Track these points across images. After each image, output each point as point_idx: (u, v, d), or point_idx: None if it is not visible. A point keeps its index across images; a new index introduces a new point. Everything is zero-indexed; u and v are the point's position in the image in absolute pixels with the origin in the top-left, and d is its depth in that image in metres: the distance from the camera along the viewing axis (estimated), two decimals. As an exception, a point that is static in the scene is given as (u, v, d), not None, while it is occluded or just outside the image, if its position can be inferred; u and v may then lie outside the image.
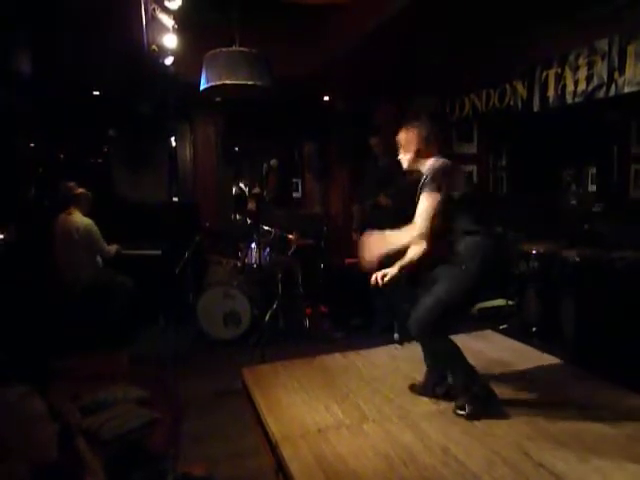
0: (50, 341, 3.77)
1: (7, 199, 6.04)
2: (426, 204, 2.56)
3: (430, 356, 2.92)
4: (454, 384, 2.81)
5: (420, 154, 2.74)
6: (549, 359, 3.50)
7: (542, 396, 2.92)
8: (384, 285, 2.77)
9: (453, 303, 2.64)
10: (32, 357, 3.14)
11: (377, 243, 2.65)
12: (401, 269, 2.77)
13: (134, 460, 2.17)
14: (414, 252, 2.74)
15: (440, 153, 2.74)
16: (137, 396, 3.13)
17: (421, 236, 2.60)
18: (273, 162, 4.01)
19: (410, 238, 2.63)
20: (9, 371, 2.72)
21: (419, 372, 3.26)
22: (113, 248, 4.64)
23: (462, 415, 2.69)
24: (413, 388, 3.05)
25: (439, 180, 2.55)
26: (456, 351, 2.71)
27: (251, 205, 5.50)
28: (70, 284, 4.37)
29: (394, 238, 2.64)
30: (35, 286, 4.51)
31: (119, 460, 2.14)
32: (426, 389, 2.98)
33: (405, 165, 2.83)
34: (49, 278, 4.52)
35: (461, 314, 3.06)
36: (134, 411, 2.92)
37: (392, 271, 2.76)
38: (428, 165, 2.70)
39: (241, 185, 6.72)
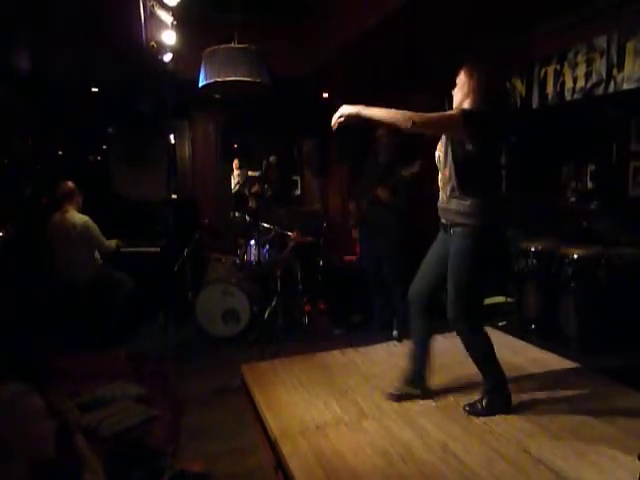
0: (49, 339, 3.77)
1: (5, 197, 6.03)
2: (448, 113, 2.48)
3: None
4: (484, 383, 2.74)
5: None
6: (548, 356, 3.51)
7: (541, 393, 2.92)
8: (337, 125, 2.55)
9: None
10: (30, 355, 3.13)
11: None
12: (360, 113, 2.48)
13: (133, 457, 2.16)
14: (395, 117, 2.45)
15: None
16: (136, 393, 3.13)
17: (412, 119, 2.40)
18: (272, 159, 4.01)
19: (400, 117, 2.43)
20: (7, 369, 2.72)
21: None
22: (113, 243, 4.64)
23: (470, 412, 2.69)
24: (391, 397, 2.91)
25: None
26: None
27: (252, 203, 5.51)
28: (69, 282, 4.37)
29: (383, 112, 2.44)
30: (33, 284, 4.50)
31: (118, 457, 2.14)
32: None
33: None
34: (47, 276, 4.51)
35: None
36: (133, 408, 2.92)
37: (350, 109, 2.50)
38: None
39: (250, 173, 6.65)
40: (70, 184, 4.51)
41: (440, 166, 2.68)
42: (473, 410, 2.71)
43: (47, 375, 2.97)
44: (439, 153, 2.69)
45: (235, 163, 7.25)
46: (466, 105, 2.56)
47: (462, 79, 2.58)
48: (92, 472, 1.57)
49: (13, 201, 5.98)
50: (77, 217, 4.44)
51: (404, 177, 3.78)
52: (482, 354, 2.71)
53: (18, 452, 1.35)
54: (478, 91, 2.52)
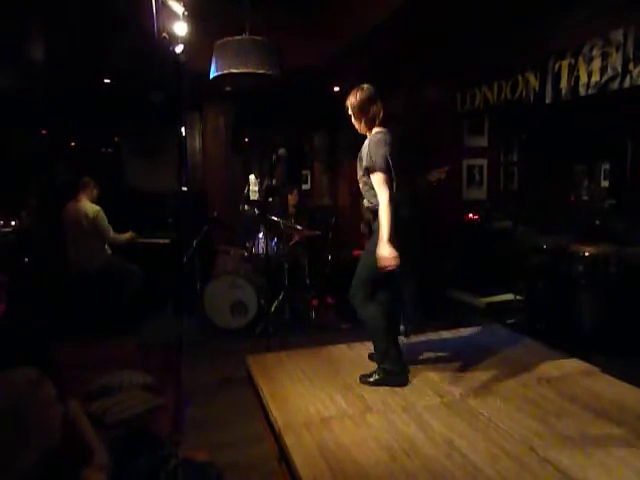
0: (59, 326, 3.80)
1: (19, 187, 6.10)
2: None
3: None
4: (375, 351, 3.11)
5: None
6: (556, 355, 3.46)
7: (548, 391, 2.89)
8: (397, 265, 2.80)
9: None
10: (40, 341, 3.17)
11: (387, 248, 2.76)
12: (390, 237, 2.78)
13: (137, 445, 2.16)
14: (385, 207, 2.79)
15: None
16: (143, 382, 3.12)
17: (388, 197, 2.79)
18: (281, 151, 3.99)
19: (385, 202, 2.78)
20: (17, 354, 2.75)
21: (424, 364, 3.26)
22: (125, 236, 4.67)
23: (362, 381, 3.03)
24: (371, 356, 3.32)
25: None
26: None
27: (293, 201, 5.47)
28: (80, 270, 4.41)
29: (385, 222, 2.77)
30: (46, 271, 4.56)
31: (123, 444, 2.14)
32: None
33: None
34: (59, 264, 4.56)
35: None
36: (139, 396, 2.92)
37: (390, 250, 2.76)
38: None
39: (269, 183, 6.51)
40: (87, 177, 4.59)
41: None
42: (364, 380, 3.04)
43: (56, 361, 2.99)
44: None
45: (252, 179, 7.17)
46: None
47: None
48: (98, 457, 1.57)
49: (27, 191, 6.06)
50: (89, 207, 4.50)
51: (429, 183, 3.64)
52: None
53: (33, 437, 1.36)
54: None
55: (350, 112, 2.99)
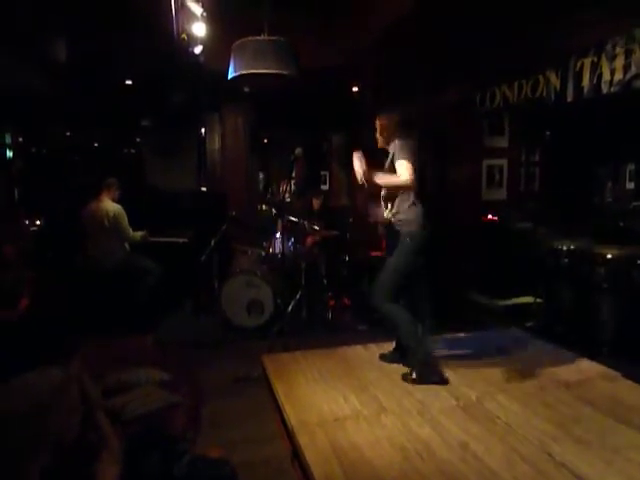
0: (78, 323, 3.88)
1: (44, 186, 6.24)
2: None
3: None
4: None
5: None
6: (576, 358, 3.39)
7: (567, 396, 2.83)
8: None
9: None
10: (61, 337, 3.24)
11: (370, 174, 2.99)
12: (370, 176, 3.01)
13: (152, 440, 2.19)
14: (399, 181, 2.95)
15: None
16: (160, 379, 3.18)
17: (410, 182, 2.91)
18: (298, 151, 3.98)
19: (401, 181, 2.92)
20: (40, 351, 2.81)
21: (441, 365, 3.22)
22: (138, 235, 4.74)
23: (403, 379, 3.06)
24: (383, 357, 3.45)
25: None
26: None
27: (317, 206, 5.50)
28: (100, 268, 4.49)
29: (387, 180, 3.00)
30: (67, 269, 4.65)
31: (139, 440, 2.17)
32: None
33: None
34: (80, 262, 4.66)
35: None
36: (156, 393, 2.97)
37: (363, 169, 3.00)
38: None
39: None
40: (112, 178, 4.72)
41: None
42: (405, 378, 3.07)
43: (75, 357, 3.04)
44: None
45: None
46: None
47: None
48: (110, 451, 1.60)
49: (51, 191, 6.19)
50: (110, 205, 4.59)
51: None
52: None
53: (49, 444, 1.39)
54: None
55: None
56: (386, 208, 3.23)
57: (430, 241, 3.11)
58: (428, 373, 3.02)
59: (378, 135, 3.26)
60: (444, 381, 3.02)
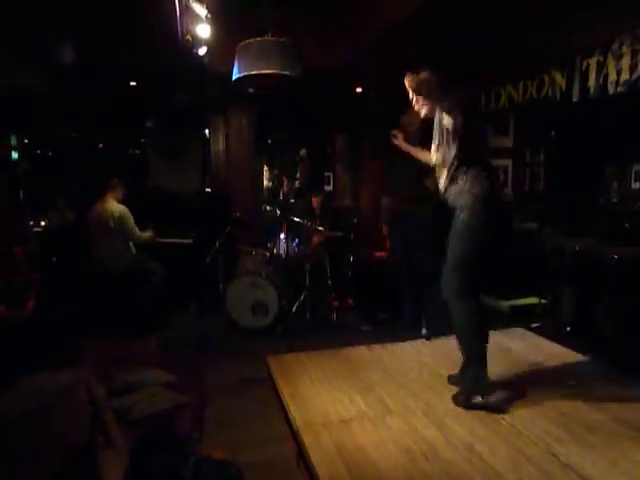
0: (83, 324, 3.89)
1: (49, 188, 6.27)
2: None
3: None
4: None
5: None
6: (583, 359, 3.38)
7: (573, 397, 2.82)
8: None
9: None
10: (65, 339, 3.25)
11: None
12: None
13: (160, 441, 2.21)
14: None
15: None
16: (165, 380, 3.19)
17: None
18: (302, 152, 4.01)
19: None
20: (46, 353, 2.83)
21: (445, 367, 3.21)
22: (146, 235, 4.75)
23: (455, 402, 2.73)
24: (450, 379, 3.02)
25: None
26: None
27: (316, 204, 5.50)
28: (104, 269, 4.51)
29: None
30: (71, 270, 4.67)
31: (146, 441, 2.19)
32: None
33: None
34: (85, 263, 4.67)
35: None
36: (162, 394, 2.98)
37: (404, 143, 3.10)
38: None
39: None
40: (116, 179, 4.75)
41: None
42: (456, 401, 2.72)
43: (80, 359, 3.06)
44: None
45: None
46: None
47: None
48: (116, 452, 1.61)
49: (57, 192, 6.22)
50: (115, 206, 4.60)
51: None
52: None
53: (56, 446, 1.39)
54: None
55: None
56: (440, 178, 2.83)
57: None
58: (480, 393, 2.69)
59: (415, 97, 2.76)
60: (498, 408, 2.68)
